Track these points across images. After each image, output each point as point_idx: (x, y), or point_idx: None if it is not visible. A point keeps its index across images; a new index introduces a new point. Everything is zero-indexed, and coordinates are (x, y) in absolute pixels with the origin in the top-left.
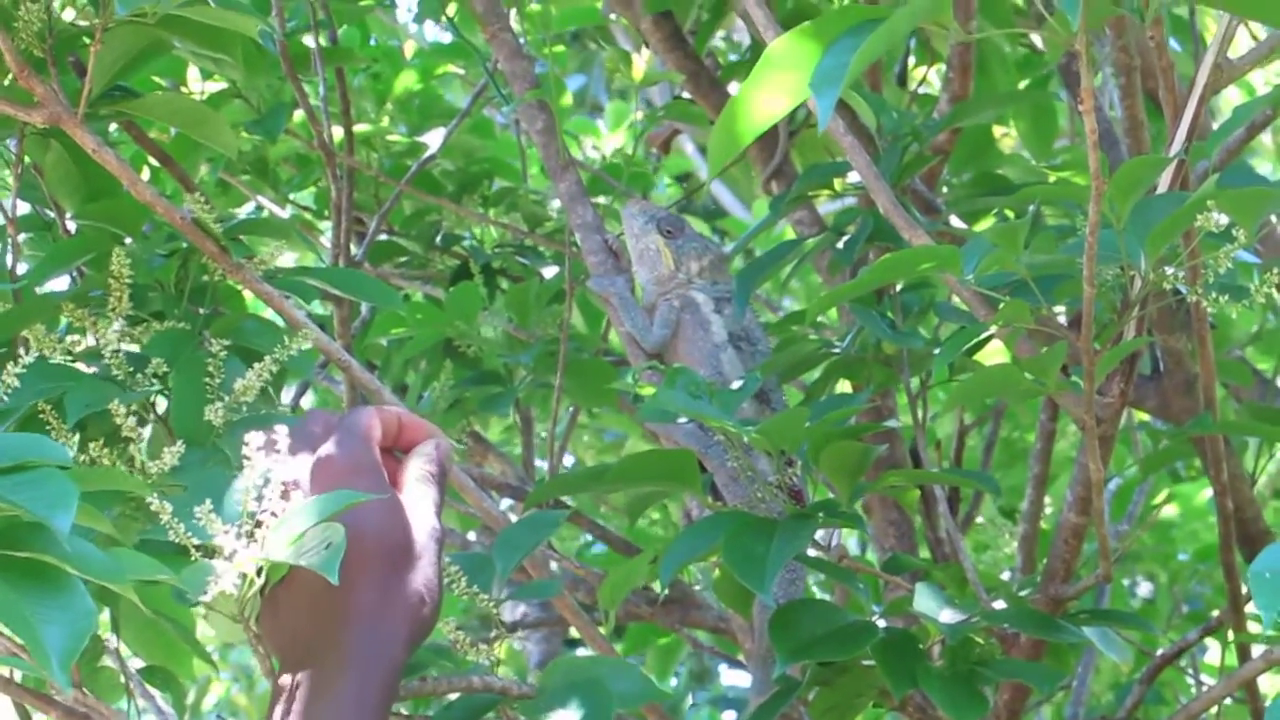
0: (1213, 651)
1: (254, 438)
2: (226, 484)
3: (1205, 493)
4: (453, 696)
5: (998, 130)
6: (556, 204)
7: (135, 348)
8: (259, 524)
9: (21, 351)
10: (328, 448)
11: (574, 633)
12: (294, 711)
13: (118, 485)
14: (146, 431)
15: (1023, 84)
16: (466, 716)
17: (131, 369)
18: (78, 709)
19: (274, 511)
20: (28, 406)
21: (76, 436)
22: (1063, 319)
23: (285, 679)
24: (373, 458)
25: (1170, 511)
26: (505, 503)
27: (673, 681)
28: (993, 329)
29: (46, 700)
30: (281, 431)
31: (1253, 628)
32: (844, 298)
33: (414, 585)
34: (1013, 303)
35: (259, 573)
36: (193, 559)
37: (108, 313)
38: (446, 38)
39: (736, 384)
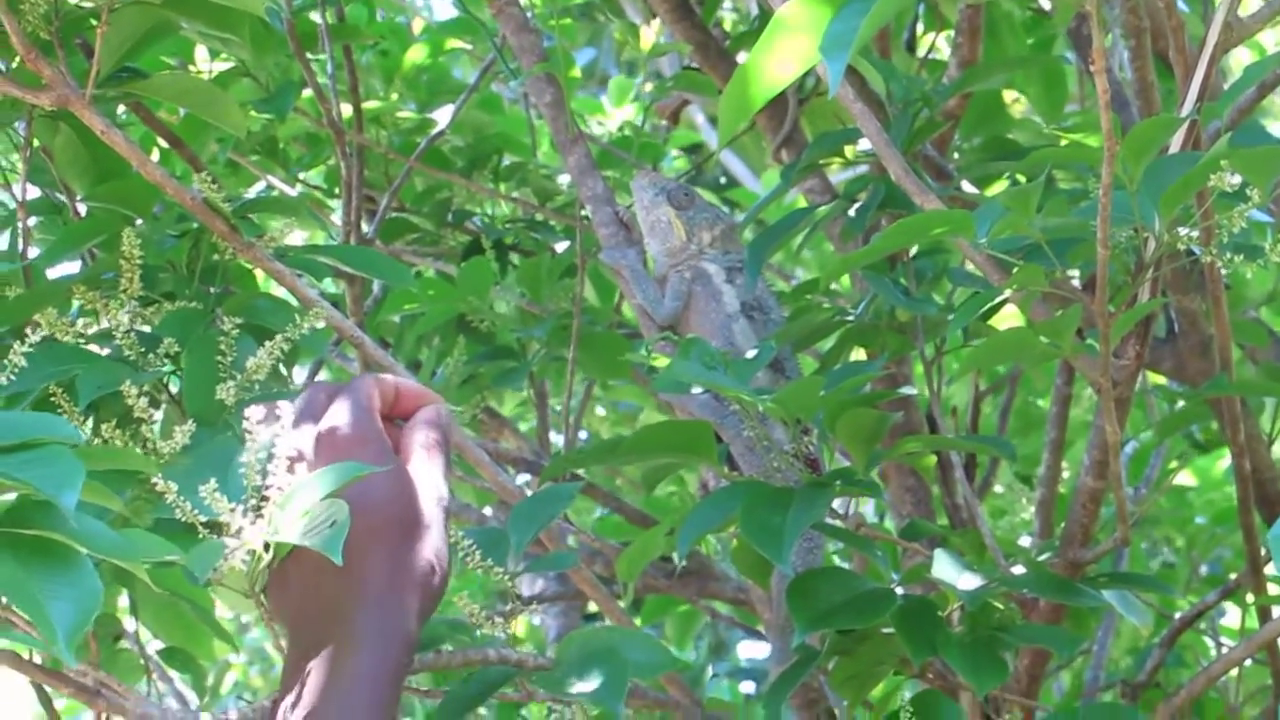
0: (1232, 614)
1: (254, 411)
2: (231, 459)
3: (1222, 462)
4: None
5: (1008, 96)
6: (566, 178)
7: (147, 328)
8: (265, 499)
9: (30, 334)
10: (330, 419)
11: (592, 606)
12: (307, 687)
13: (128, 465)
14: (159, 414)
15: (1030, 45)
16: (483, 689)
17: (143, 349)
18: (91, 687)
19: (279, 486)
20: (39, 389)
21: (89, 419)
22: (1076, 282)
23: (297, 653)
24: (376, 427)
25: (1188, 480)
26: (521, 478)
27: (691, 654)
28: (1007, 293)
29: (60, 679)
30: (284, 405)
31: (1272, 589)
32: (857, 264)
33: (424, 555)
34: (1027, 266)
35: (266, 549)
36: (201, 537)
37: (119, 294)
38: (453, 13)
39: (750, 353)
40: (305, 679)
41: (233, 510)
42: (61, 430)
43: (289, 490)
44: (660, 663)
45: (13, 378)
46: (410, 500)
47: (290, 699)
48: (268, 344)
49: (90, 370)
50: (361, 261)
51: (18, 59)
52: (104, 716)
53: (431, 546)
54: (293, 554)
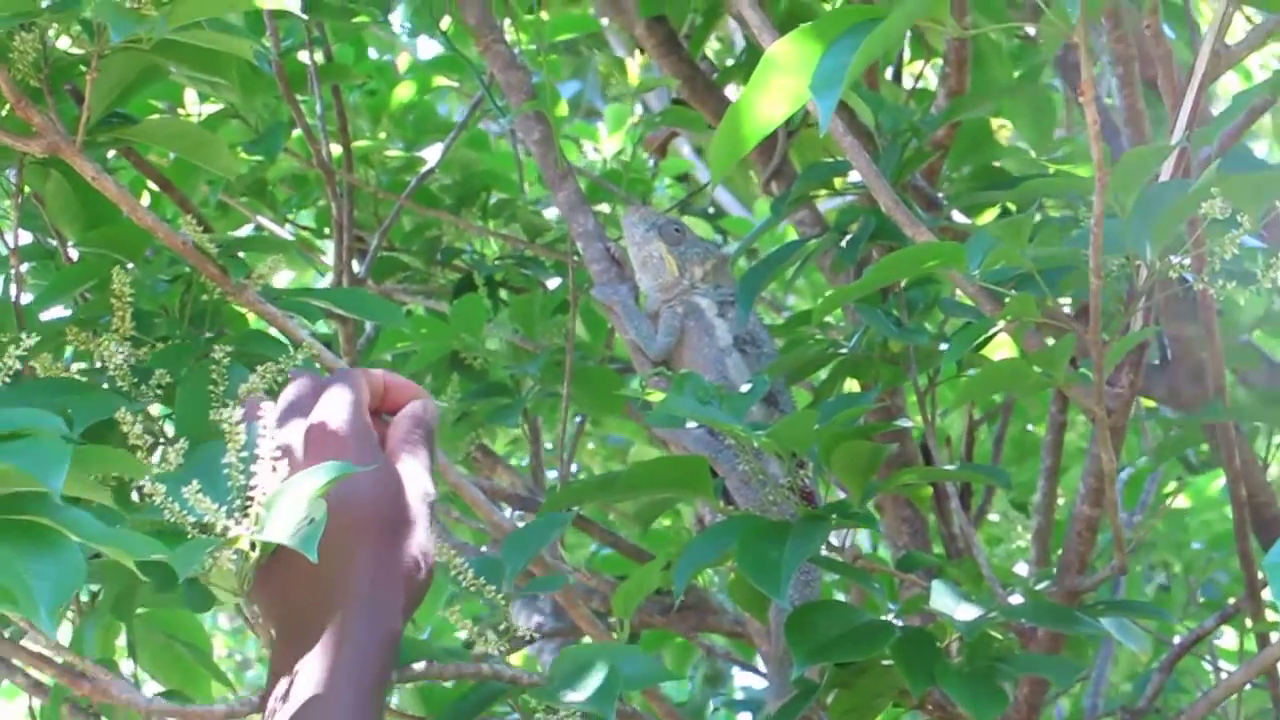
0: (1228, 636)
1: (235, 411)
2: (218, 460)
3: (1217, 483)
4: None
5: (995, 122)
6: (555, 213)
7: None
8: (251, 498)
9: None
10: (319, 414)
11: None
12: (294, 683)
13: (116, 467)
14: (156, 456)
15: (1017, 75)
16: (478, 705)
17: (136, 380)
18: (76, 670)
19: (265, 484)
20: None
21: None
22: (1068, 311)
23: (283, 649)
24: (364, 423)
25: (1183, 501)
26: (516, 514)
27: (688, 686)
28: (1001, 323)
29: (48, 663)
30: (266, 403)
31: (1270, 615)
32: (850, 297)
33: (409, 553)
34: (1020, 296)
35: (253, 548)
36: (190, 538)
37: (111, 333)
38: (437, 50)
39: (744, 387)
40: (293, 676)
41: (217, 510)
42: (49, 423)
43: (275, 489)
44: (651, 674)
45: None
46: (396, 498)
47: (279, 692)
48: (260, 368)
49: (84, 400)
50: (353, 303)
51: (7, 107)
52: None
53: (417, 544)
54: (280, 551)
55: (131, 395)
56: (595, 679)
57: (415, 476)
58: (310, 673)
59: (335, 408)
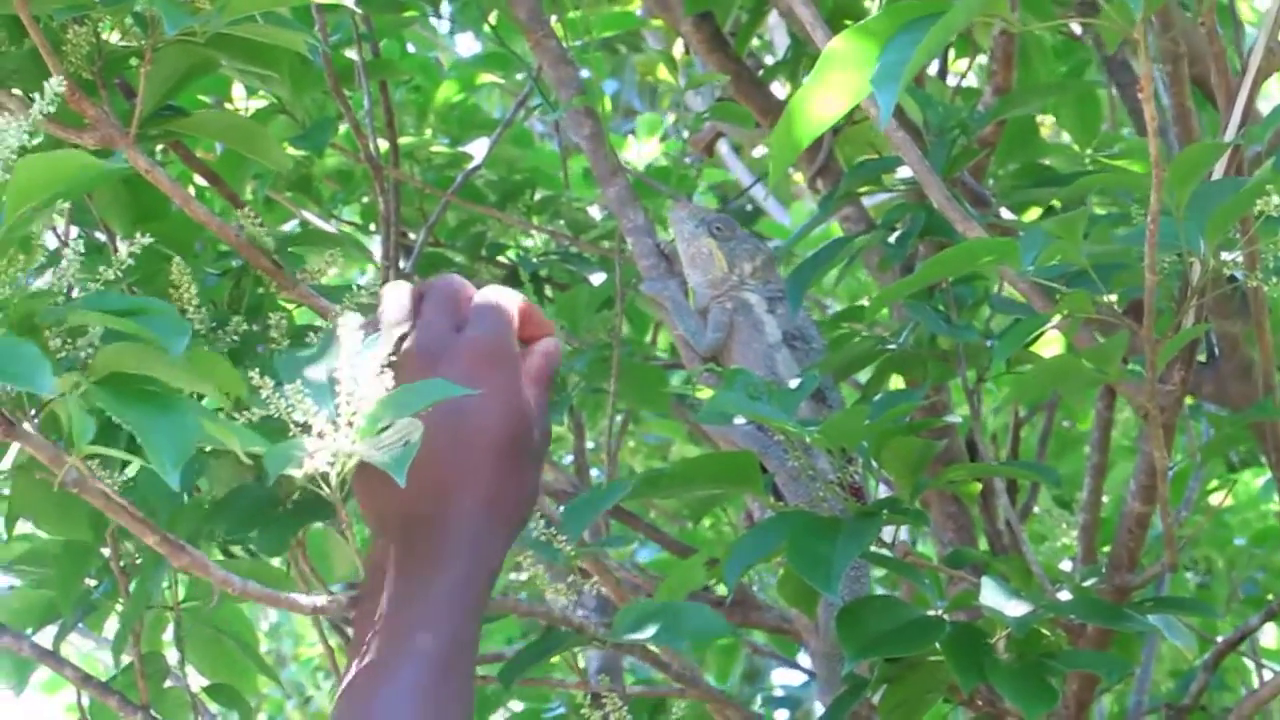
0: (1268, 633)
1: (350, 318)
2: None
3: (1259, 480)
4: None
5: (1040, 120)
6: (599, 210)
7: None
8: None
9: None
10: (477, 324)
11: None
12: (391, 595)
13: (218, 376)
14: None
15: (1063, 72)
16: (548, 648)
17: (214, 324)
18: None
19: (373, 393)
20: None
21: None
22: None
23: (384, 556)
24: (513, 347)
25: (1224, 500)
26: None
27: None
28: (1055, 319)
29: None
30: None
31: None
32: (901, 293)
33: (524, 487)
34: (1074, 293)
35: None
36: (290, 436)
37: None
38: (476, 47)
39: (793, 383)
40: (394, 587)
41: (317, 412)
42: (158, 306)
43: (380, 399)
44: (715, 629)
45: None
46: (527, 429)
47: (382, 603)
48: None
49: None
50: None
51: (61, 100)
52: None
53: (531, 481)
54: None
55: (209, 338)
56: (660, 622)
57: (540, 414)
58: (412, 590)
59: (494, 324)
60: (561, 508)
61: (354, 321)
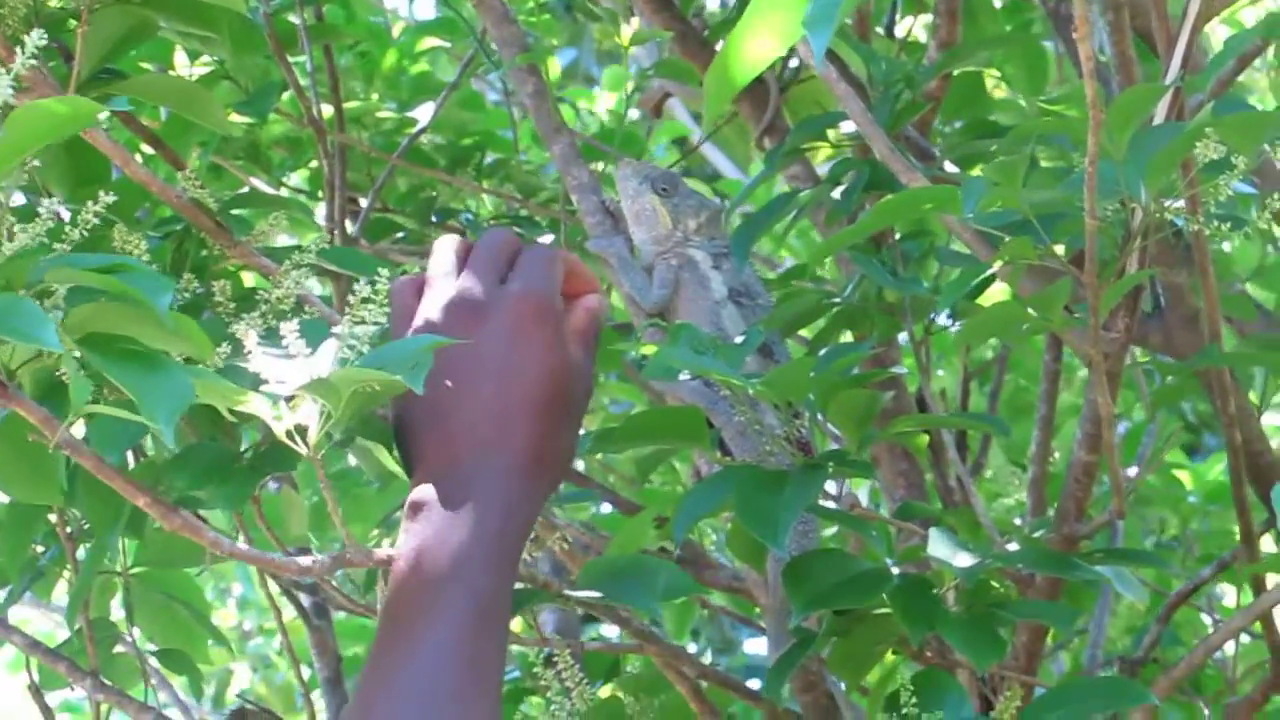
0: (1229, 596)
1: (364, 288)
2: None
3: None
4: None
5: (989, 81)
6: (551, 172)
7: None
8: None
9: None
10: (523, 278)
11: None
12: (428, 537)
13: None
14: None
15: (1009, 29)
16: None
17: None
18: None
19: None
20: None
21: None
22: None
23: (422, 491)
24: (557, 303)
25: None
26: None
27: (691, 648)
28: (996, 266)
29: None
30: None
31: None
32: (844, 243)
33: (566, 442)
34: (1016, 240)
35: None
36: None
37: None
38: (429, 13)
39: (739, 339)
40: (430, 538)
41: (310, 353)
42: (134, 263)
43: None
44: (684, 585)
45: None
46: (568, 387)
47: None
48: (279, 272)
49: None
50: (345, 260)
51: None
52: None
53: (569, 439)
54: (440, 399)
55: None
56: (632, 580)
57: (583, 371)
58: (449, 543)
59: (541, 279)
60: None
61: (364, 291)
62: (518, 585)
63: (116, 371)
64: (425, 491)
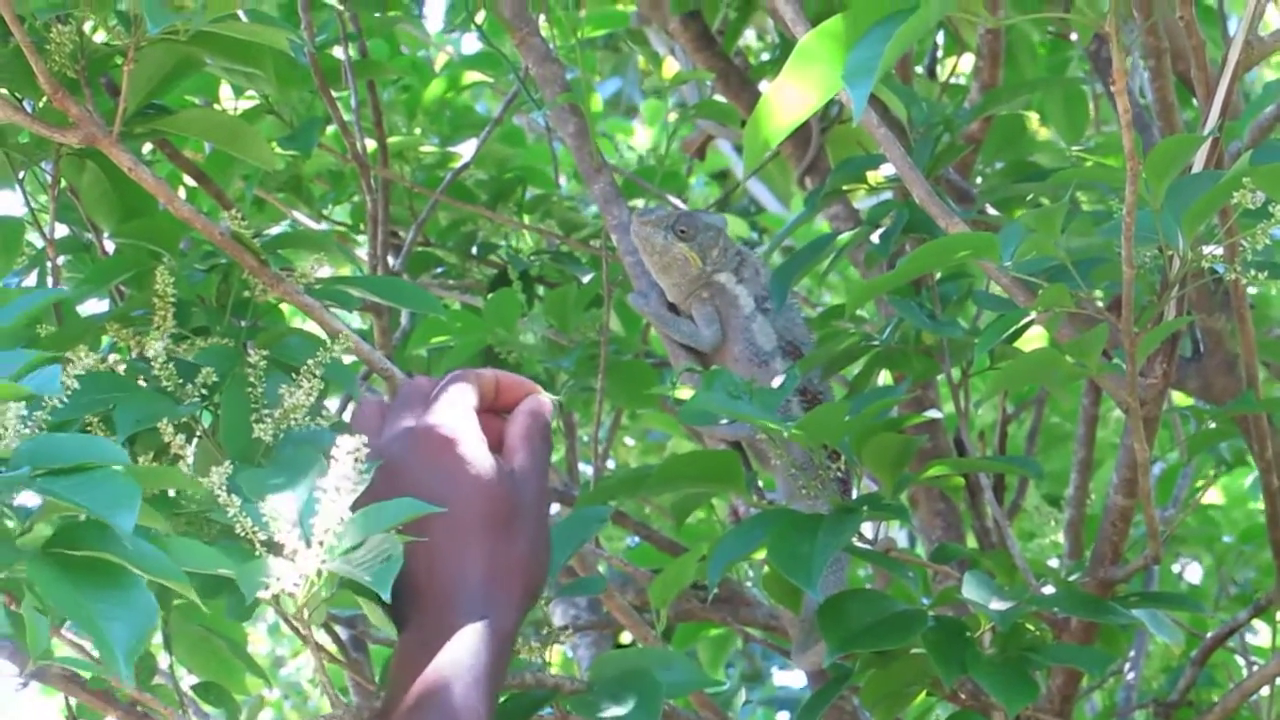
0: (1263, 635)
1: (347, 441)
2: (308, 471)
3: (1247, 479)
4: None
5: (1030, 123)
6: (592, 209)
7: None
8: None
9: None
10: (430, 418)
11: (624, 637)
12: (411, 686)
13: (176, 484)
14: (192, 446)
15: (1049, 71)
16: (523, 712)
17: (181, 380)
18: (136, 710)
19: (340, 511)
20: (79, 418)
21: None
22: (1100, 304)
23: (402, 644)
24: (470, 425)
25: (1214, 498)
26: (553, 508)
27: (725, 682)
28: (1033, 314)
29: (107, 700)
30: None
31: None
32: (883, 288)
33: (521, 549)
34: (1054, 287)
35: (318, 575)
36: (257, 555)
37: (153, 331)
38: (476, 47)
39: (769, 347)
40: (409, 675)
41: (289, 531)
42: (110, 454)
43: (351, 518)
44: (691, 681)
45: (64, 402)
46: (507, 495)
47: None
48: (303, 378)
49: (129, 401)
50: (389, 291)
51: (44, 98)
52: None
53: (531, 539)
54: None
55: (177, 395)
56: (637, 689)
57: (531, 473)
58: (423, 671)
59: (443, 410)
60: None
61: (350, 445)
62: (528, 688)
63: (70, 599)
64: (403, 644)
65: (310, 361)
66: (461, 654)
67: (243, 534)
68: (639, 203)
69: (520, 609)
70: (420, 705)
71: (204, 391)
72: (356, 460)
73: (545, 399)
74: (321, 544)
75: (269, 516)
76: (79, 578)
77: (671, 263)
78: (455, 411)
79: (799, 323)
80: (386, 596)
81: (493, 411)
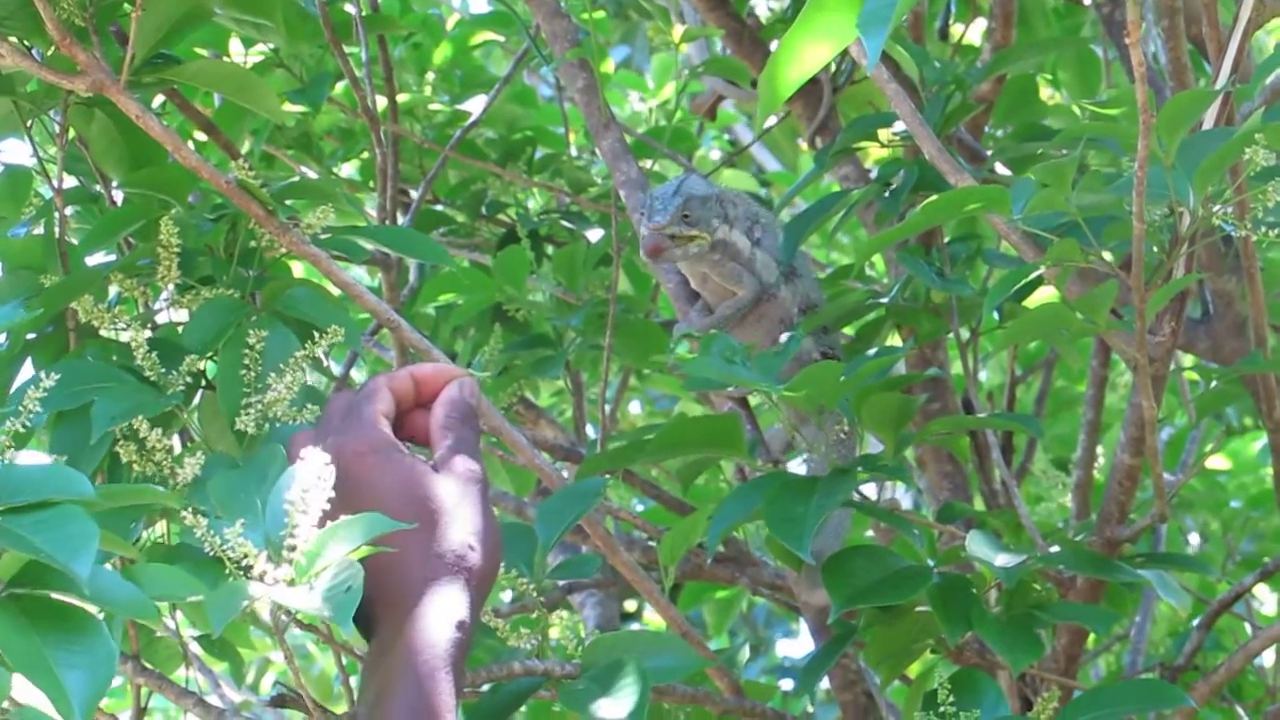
0: (1269, 604)
1: (302, 437)
2: (272, 478)
3: (1256, 444)
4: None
5: (1042, 86)
6: (600, 168)
7: (185, 314)
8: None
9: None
10: (336, 437)
11: (628, 604)
12: (370, 691)
13: (145, 500)
14: (197, 398)
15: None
16: (512, 699)
17: (165, 369)
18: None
19: (305, 532)
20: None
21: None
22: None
23: (369, 654)
24: (375, 435)
25: (1221, 464)
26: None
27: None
28: (1042, 268)
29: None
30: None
31: None
32: (891, 241)
33: (453, 540)
34: (1063, 242)
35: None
36: (228, 573)
37: (157, 281)
38: (488, 8)
39: (770, 268)
40: (374, 682)
41: (258, 555)
42: (76, 487)
43: (315, 538)
44: (688, 664)
45: (27, 425)
46: (428, 494)
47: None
48: (289, 363)
49: (109, 395)
50: (399, 241)
51: (53, 47)
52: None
53: (462, 529)
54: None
55: (161, 385)
56: (628, 680)
57: (454, 462)
58: (379, 677)
59: (349, 425)
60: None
61: (315, 455)
62: (522, 676)
63: (28, 648)
64: (368, 653)
65: (297, 354)
66: (418, 647)
67: (212, 553)
68: (647, 163)
69: (473, 591)
70: (381, 701)
71: (189, 378)
72: (320, 478)
73: (467, 380)
74: (290, 563)
75: (233, 541)
76: (37, 620)
77: (694, 258)
78: (362, 424)
79: (816, 286)
80: (347, 631)
81: (422, 407)
